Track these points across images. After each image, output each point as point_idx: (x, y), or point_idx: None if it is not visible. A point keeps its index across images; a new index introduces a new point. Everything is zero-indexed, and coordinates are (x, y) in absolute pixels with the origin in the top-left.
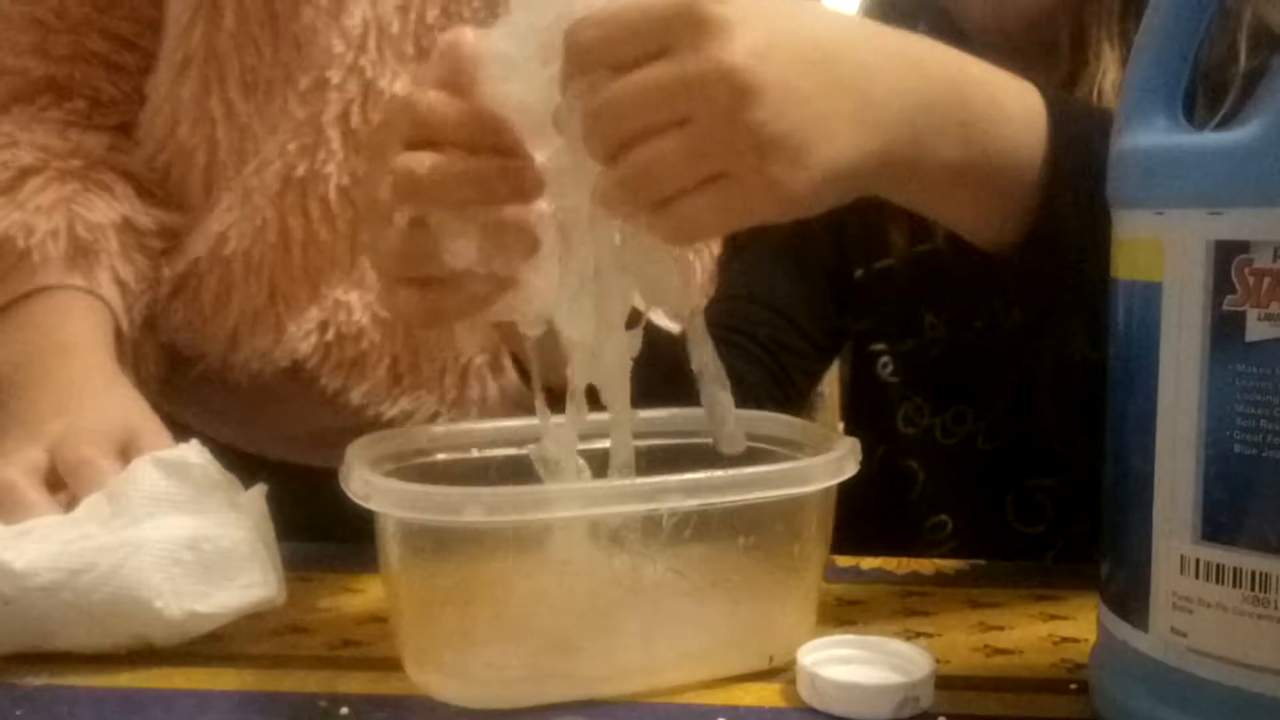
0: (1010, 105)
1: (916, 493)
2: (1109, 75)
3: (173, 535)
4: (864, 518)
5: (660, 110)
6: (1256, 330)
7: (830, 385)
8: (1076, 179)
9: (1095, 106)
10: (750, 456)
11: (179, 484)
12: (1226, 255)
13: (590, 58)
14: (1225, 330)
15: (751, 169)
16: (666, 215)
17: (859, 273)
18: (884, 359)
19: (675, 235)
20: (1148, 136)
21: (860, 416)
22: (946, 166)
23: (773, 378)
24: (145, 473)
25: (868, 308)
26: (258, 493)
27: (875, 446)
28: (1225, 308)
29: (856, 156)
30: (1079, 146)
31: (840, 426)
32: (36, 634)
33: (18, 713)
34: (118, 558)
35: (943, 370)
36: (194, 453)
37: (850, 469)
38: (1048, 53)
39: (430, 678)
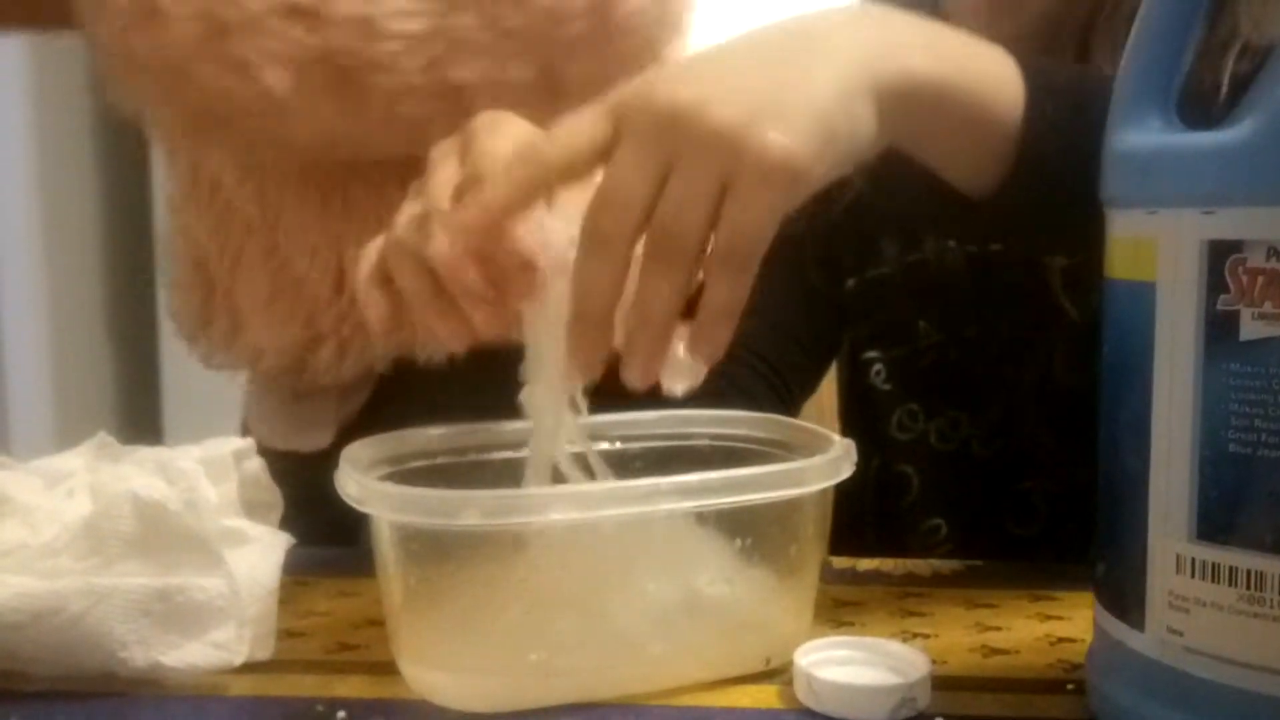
0: (969, 49)
1: (911, 498)
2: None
3: (144, 584)
4: (859, 522)
5: (637, 184)
6: (1250, 329)
7: (827, 391)
8: (1057, 116)
9: (1072, 65)
10: (746, 458)
11: (154, 530)
12: (1220, 254)
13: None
14: (1219, 329)
15: (739, 160)
16: (716, 268)
17: (851, 282)
18: (877, 366)
19: (733, 279)
20: (1141, 136)
21: (854, 423)
22: (926, 80)
23: (776, 393)
24: (122, 512)
25: (860, 316)
26: (266, 548)
27: (869, 452)
28: (1219, 307)
29: (835, 95)
30: (1057, 88)
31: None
32: (5, 668)
33: (12, 719)
34: (86, 603)
35: (935, 377)
36: (174, 498)
37: (846, 470)
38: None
39: (427, 681)
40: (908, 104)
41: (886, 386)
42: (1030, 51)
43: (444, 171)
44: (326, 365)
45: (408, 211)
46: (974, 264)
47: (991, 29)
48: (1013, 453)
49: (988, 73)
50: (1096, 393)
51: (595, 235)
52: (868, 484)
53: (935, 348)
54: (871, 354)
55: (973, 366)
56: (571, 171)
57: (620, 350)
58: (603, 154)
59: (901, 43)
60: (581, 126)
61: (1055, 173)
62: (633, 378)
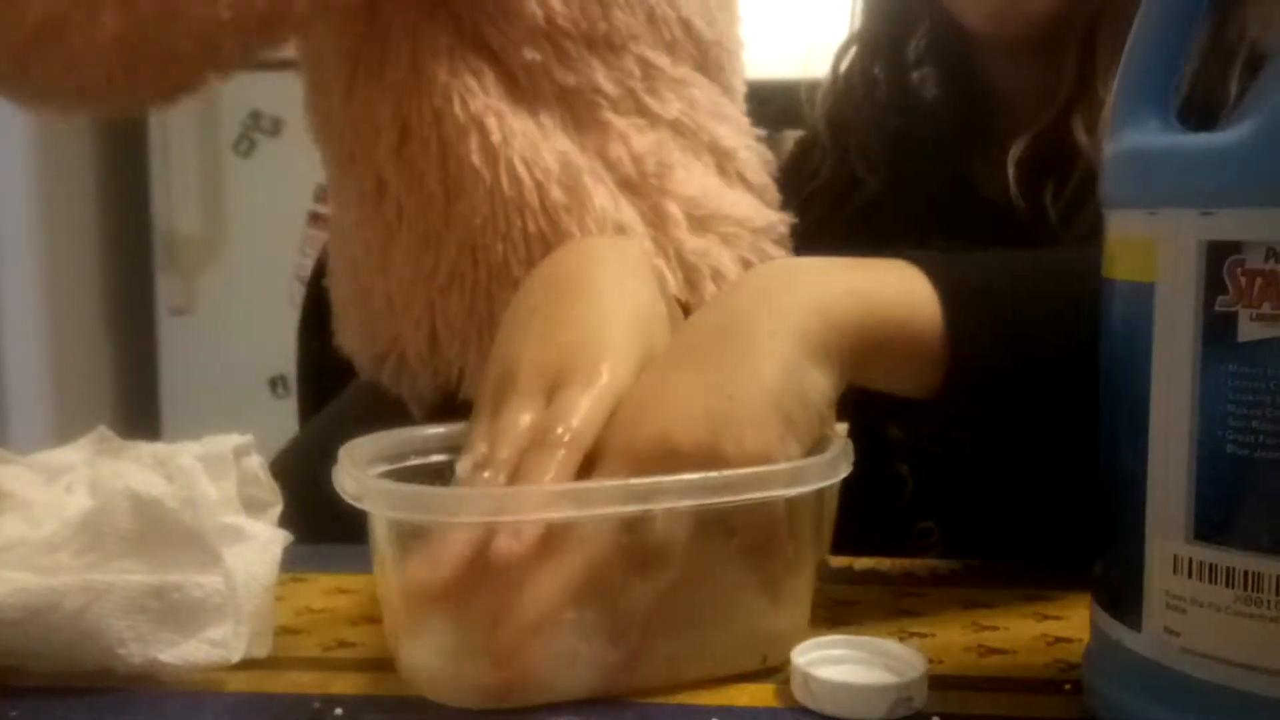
0: (887, 276)
1: (905, 498)
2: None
3: (140, 581)
4: (852, 521)
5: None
6: (1249, 330)
7: None
8: (982, 332)
9: (1007, 255)
10: None
11: (151, 526)
12: (1219, 256)
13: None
14: (1217, 330)
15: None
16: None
17: None
18: None
19: None
20: (1140, 137)
21: (849, 419)
22: (850, 326)
23: None
24: (120, 508)
25: None
26: (264, 545)
27: (865, 450)
28: (1217, 308)
29: (777, 378)
30: (976, 301)
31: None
32: (3, 664)
33: (12, 714)
34: (83, 600)
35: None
36: (171, 495)
37: (844, 470)
38: (1052, 59)
39: (423, 679)
40: (845, 350)
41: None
42: (1031, 45)
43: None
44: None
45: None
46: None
47: (997, 31)
48: (1006, 455)
49: (904, 298)
50: (1092, 396)
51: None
52: (861, 483)
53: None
54: None
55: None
56: None
57: None
58: None
59: (821, 296)
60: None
61: (988, 373)
62: None
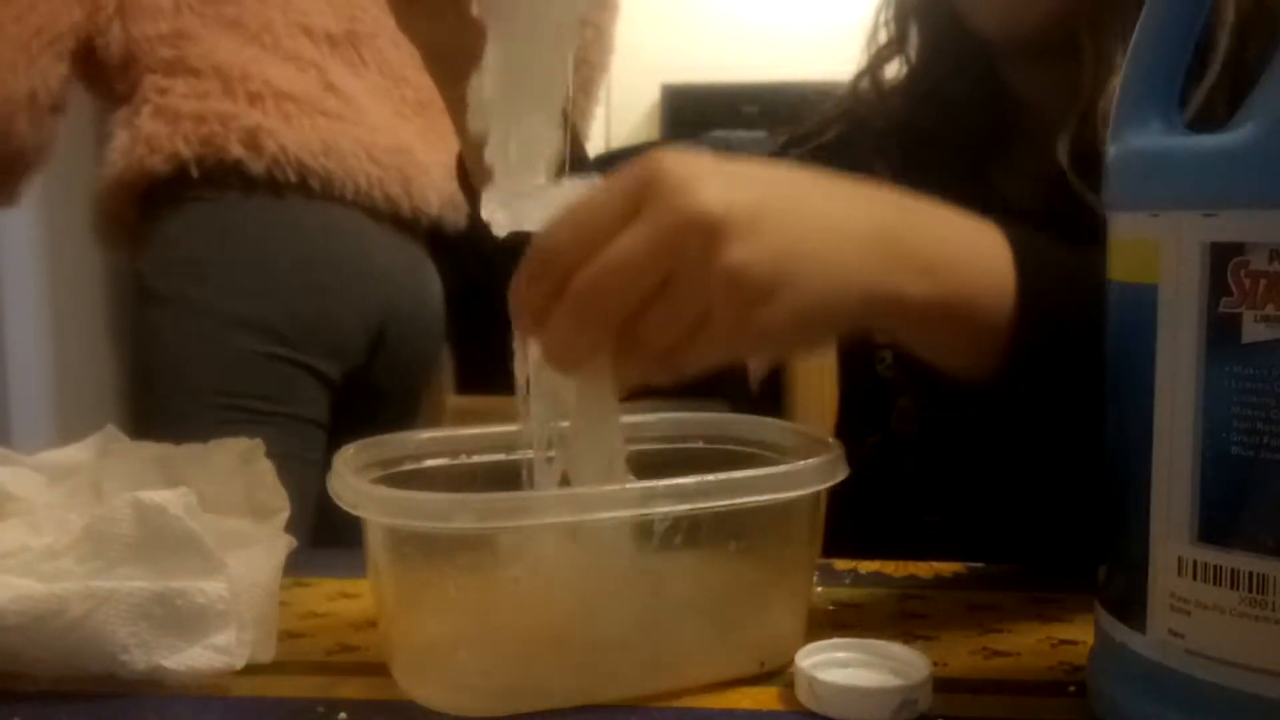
0: (965, 245)
1: (910, 490)
2: (1116, 81)
3: (143, 587)
4: (857, 515)
5: (643, 275)
6: (1252, 332)
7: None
8: (1048, 323)
9: (1074, 252)
10: (740, 461)
11: (155, 533)
12: (1222, 257)
13: (564, 257)
14: (1221, 332)
15: (732, 312)
16: (658, 365)
17: None
18: (883, 353)
19: (667, 377)
20: (1143, 139)
21: (854, 412)
22: (918, 303)
23: None
24: (123, 515)
25: None
26: (268, 550)
27: (870, 443)
28: (1221, 309)
29: (832, 292)
30: (1047, 292)
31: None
32: (7, 669)
33: (14, 719)
34: (86, 607)
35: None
36: (175, 502)
37: (841, 473)
38: (1068, 57)
39: (419, 685)
40: (896, 320)
41: (889, 374)
42: (1043, 45)
43: None
44: None
45: None
46: None
47: (1006, 33)
48: (1013, 449)
49: (984, 286)
50: (1097, 397)
51: (588, 305)
52: (866, 476)
53: None
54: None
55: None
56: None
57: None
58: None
59: (906, 267)
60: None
61: (1046, 370)
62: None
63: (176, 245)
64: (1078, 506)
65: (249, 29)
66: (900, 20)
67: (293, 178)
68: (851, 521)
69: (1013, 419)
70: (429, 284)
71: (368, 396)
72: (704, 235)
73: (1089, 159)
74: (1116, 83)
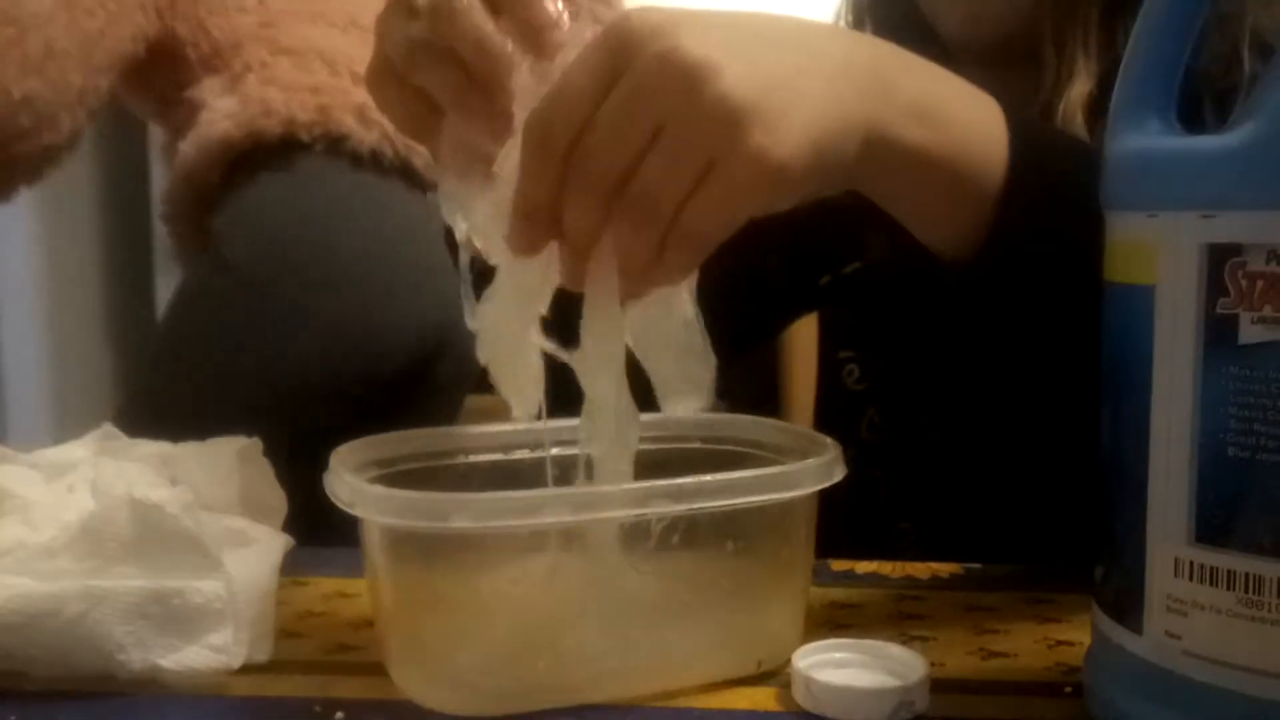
0: (959, 98)
1: (880, 499)
2: (1077, 87)
3: (140, 586)
4: (828, 523)
5: (633, 125)
6: (1250, 333)
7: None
8: (1035, 193)
9: (1067, 132)
10: (738, 461)
11: (152, 532)
12: (1220, 258)
13: (557, 137)
14: (1218, 333)
15: (732, 147)
16: (675, 239)
17: (825, 279)
18: (850, 366)
19: (692, 249)
20: (1141, 139)
21: (826, 422)
22: (916, 151)
23: None
24: (120, 514)
25: (835, 313)
26: (265, 550)
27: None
28: (1219, 311)
29: (835, 121)
30: (1040, 163)
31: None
32: (3, 669)
33: (11, 719)
34: (84, 605)
35: (907, 380)
36: (172, 501)
37: (839, 473)
38: (1029, 64)
39: (417, 685)
40: (891, 167)
41: (859, 387)
42: (1006, 51)
43: None
44: None
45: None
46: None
47: (972, 35)
48: (983, 458)
49: (976, 142)
50: (1071, 399)
51: (585, 170)
52: (838, 486)
53: (910, 349)
54: (846, 353)
55: (945, 371)
56: None
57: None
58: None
59: (898, 107)
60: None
61: (1033, 249)
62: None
63: (275, 210)
64: (1051, 509)
65: (336, 22)
66: (857, 23)
67: (399, 157)
68: (824, 531)
69: (987, 317)
70: None
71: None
72: (688, 73)
73: None
74: (1075, 85)
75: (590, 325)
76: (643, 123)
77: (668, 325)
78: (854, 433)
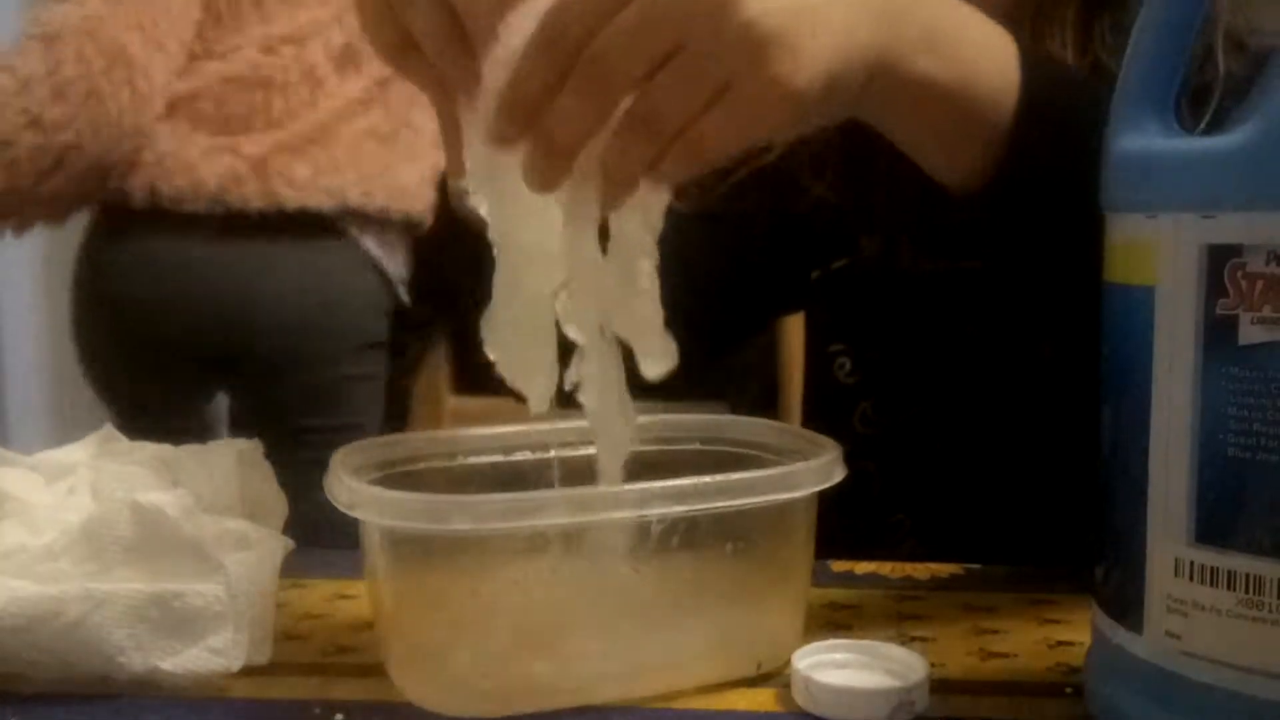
0: (972, 26)
1: (874, 493)
2: None
3: (140, 589)
4: (823, 517)
5: (655, 36)
6: (1249, 334)
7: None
8: (1046, 125)
9: (1079, 72)
10: (737, 462)
11: (152, 535)
12: (1219, 259)
13: (571, 29)
14: (1218, 334)
15: (752, 73)
16: (681, 148)
17: (816, 274)
18: (841, 360)
19: (691, 163)
20: (1140, 140)
21: (817, 416)
22: (925, 81)
23: None
24: (121, 517)
25: (826, 308)
26: (265, 552)
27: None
28: (1218, 311)
29: (851, 50)
30: (1050, 94)
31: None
32: (3, 671)
33: None
34: (84, 609)
35: (901, 372)
36: (172, 503)
37: (838, 474)
38: None
39: (416, 686)
40: (898, 97)
41: (850, 380)
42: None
43: None
44: None
45: None
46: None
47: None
48: (977, 451)
49: (987, 72)
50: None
51: (595, 71)
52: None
53: (903, 341)
54: (837, 347)
55: (940, 364)
56: None
57: None
58: None
59: (910, 37)
60: None
61: (1041, 181)
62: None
63: None
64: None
65: None
66: None
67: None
68: (819, 526)
69: (992, 255)
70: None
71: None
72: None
73: None
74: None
75: (566, 230)
76: (664, 37)
77: (627, 293)
78: (847, 426)
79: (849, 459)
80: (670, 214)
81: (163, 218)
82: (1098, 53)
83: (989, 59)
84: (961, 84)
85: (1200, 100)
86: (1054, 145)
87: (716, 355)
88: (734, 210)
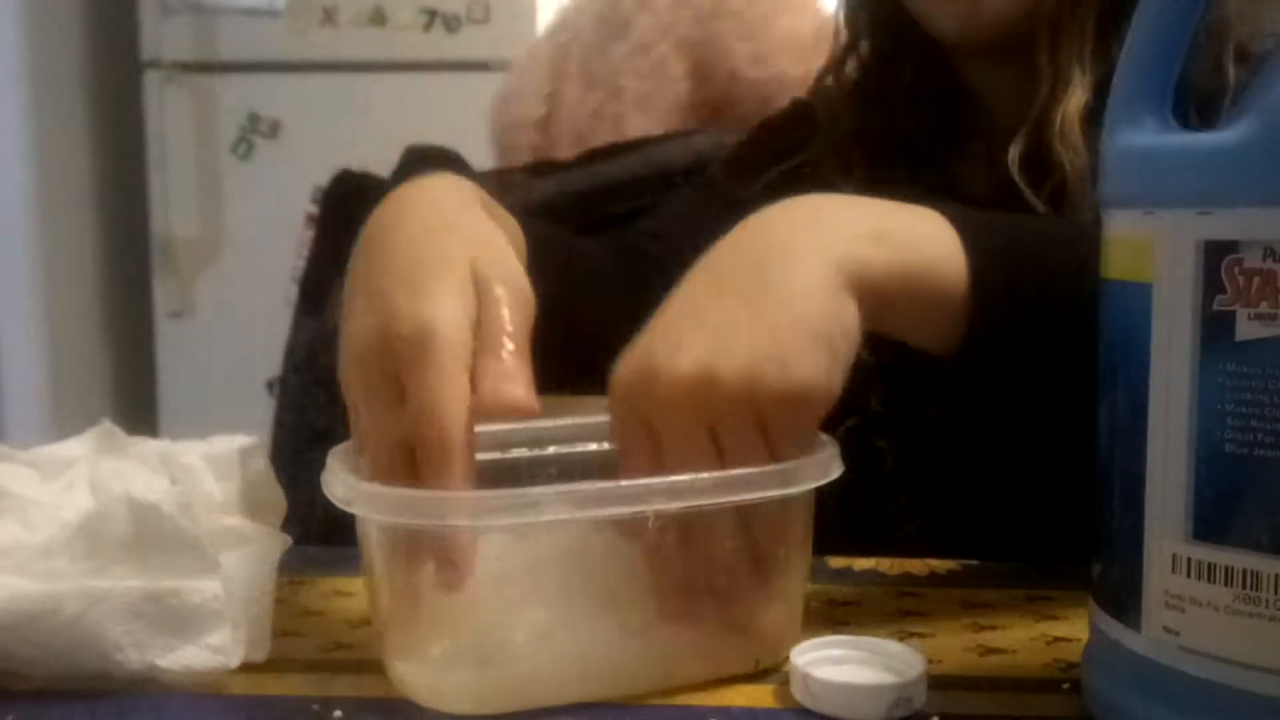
0: (903, 218)
1: (884, 473)
2: (1074, 99)
3: (138, 586)
4: (830, 499)
5: (702, 450)
6: (1246, 330)
7: None
8: (1006, 290)
9: (1025, 216)
10: None
11: (150, 532)
12: (1216, 255)
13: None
14: (1215, 330)
15: (768, 409)
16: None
17: None
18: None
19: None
20: (1137, 137)
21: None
22: (881, 270)
23: None
24: (118, 514)
25: None
26: (263, 550)
27: (845, 422)
28: (1215, 307)
29: (818, 302)
30: (1002, 258)
31: None
32: (1, 669)
33: (9, 718)
34: (80, 606)
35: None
36: (169, 500)
37: (836, 470)
38: (1025, 62)
39: (414, 683)
40: (873, 292)
41: (872, 358)
42: (1001, 52)
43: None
44: None
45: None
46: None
47: (963, 38)
48: (988, 437)
49: (931, 249)
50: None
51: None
52: (843, 458)
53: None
54: None
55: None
56: None
57: None
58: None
59: (852, 235)
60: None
61: (1009, 329)
62: None
63: None
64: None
65: None
66: (853, 22)
67: None
68: (821, 506)
69: (983, 396)
70: None
71: None
72: (695, 391)
73: (1041, 169)
74: (1072, 96)
75: None
76: (703, 441)
77: None
78: (864, 403)
79: (863, 436)
80: None
81: None
82: (1115, 62)
83: (930, 242)
84: (916, 270)
85: (1209, 111)
86: (1016, 307)
87: None
88: None
